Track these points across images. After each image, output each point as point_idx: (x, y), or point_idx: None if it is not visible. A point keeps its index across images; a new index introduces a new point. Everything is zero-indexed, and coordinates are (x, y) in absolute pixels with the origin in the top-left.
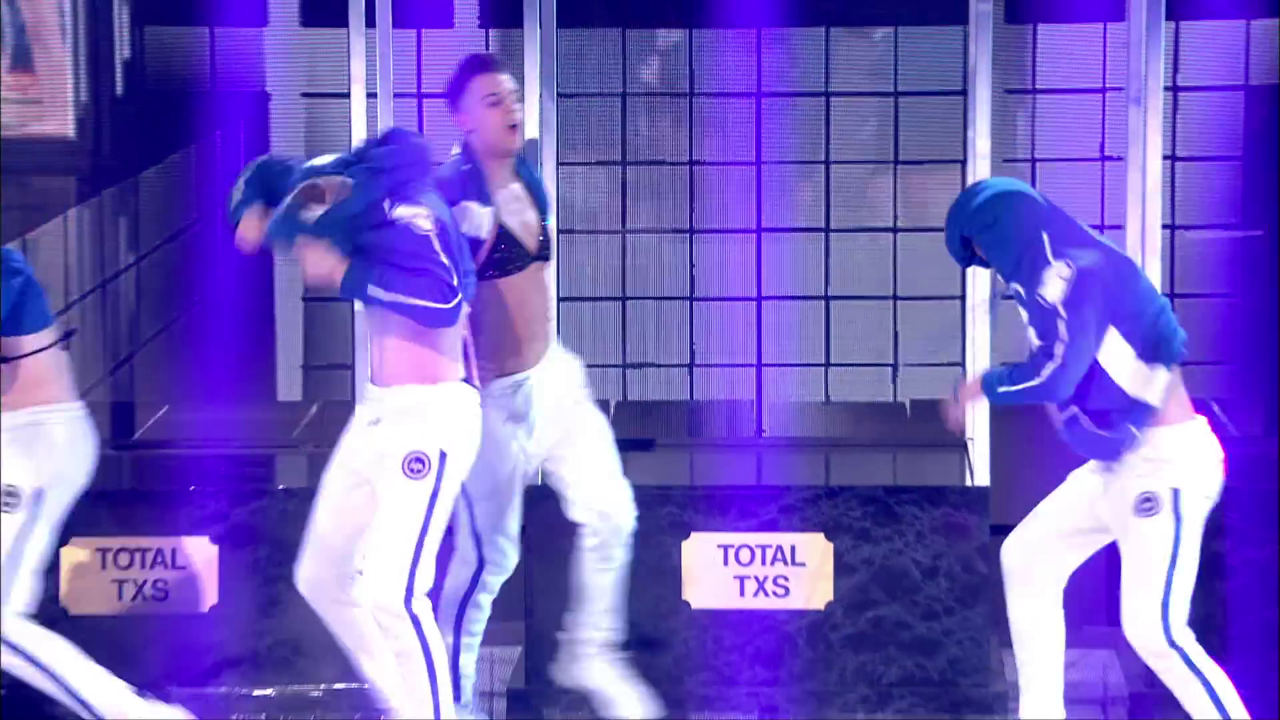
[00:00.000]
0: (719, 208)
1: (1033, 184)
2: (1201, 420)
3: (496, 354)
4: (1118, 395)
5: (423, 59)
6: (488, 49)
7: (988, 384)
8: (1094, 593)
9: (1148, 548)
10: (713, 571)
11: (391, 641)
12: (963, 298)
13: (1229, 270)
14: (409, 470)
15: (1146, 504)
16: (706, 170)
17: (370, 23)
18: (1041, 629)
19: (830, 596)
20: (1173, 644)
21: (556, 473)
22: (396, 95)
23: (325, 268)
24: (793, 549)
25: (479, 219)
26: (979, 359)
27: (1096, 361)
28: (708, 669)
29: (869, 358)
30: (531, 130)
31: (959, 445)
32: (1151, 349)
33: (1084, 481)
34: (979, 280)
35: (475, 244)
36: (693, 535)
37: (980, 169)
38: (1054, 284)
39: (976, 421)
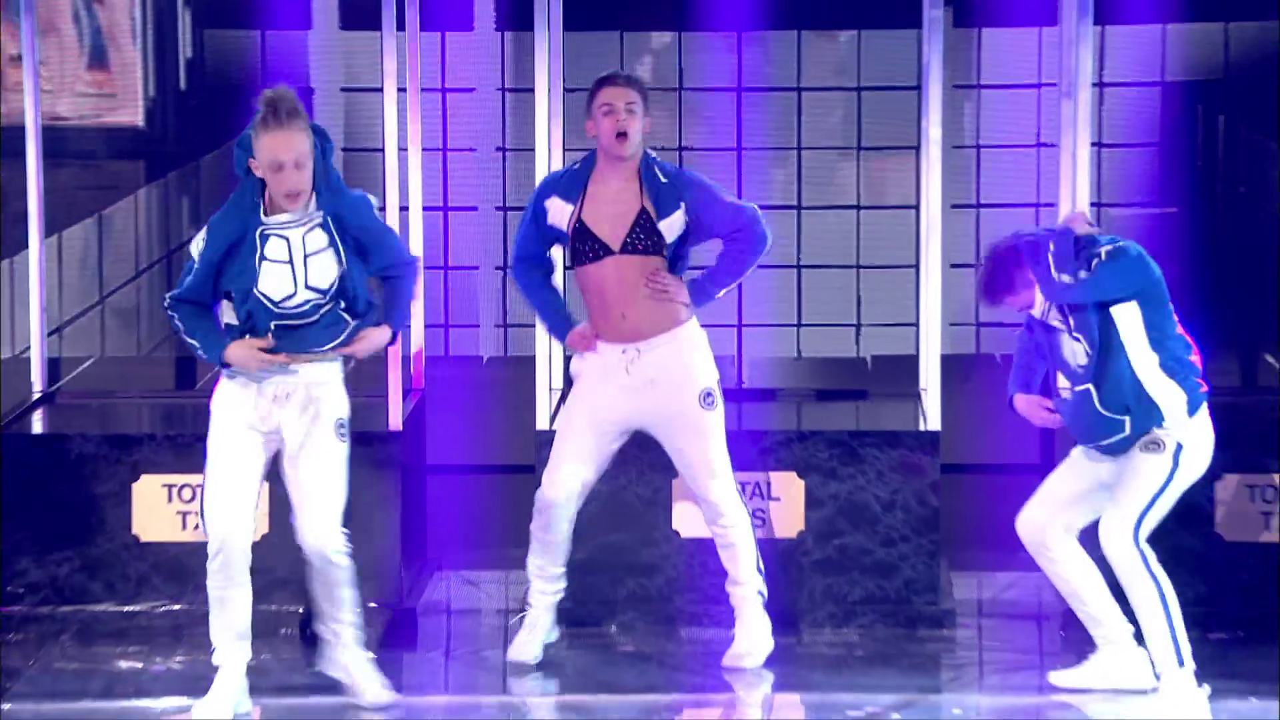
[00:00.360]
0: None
1: (978, 168)
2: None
3: (595, 326)
4: (1133, 386)
5: (446, 58)
6: (503, 50)
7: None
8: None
9: (1141, 478)
10: (695, 502)
11: None
12: (917, 266)
13: (1147, 242)
14: None
15: (1153, 445)
16: (693, 155)
17: (400, 26)
18: (1081, 580)
19: (801, 526)
20: (1137, 547)
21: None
22: (423, 90)
23: None
24: (769, 485)
25: (559, 213)
26: (929, 319)
27: (1125, 350)
28: (694, 590)
29: (835, 319)
30: (542, 120)
31: (914, 395)
32: (1174, 371)
33: (1089, 467)
34: (931, 251)
35: (560, 234)
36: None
37: (933, 154)
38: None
39: (929, 374)
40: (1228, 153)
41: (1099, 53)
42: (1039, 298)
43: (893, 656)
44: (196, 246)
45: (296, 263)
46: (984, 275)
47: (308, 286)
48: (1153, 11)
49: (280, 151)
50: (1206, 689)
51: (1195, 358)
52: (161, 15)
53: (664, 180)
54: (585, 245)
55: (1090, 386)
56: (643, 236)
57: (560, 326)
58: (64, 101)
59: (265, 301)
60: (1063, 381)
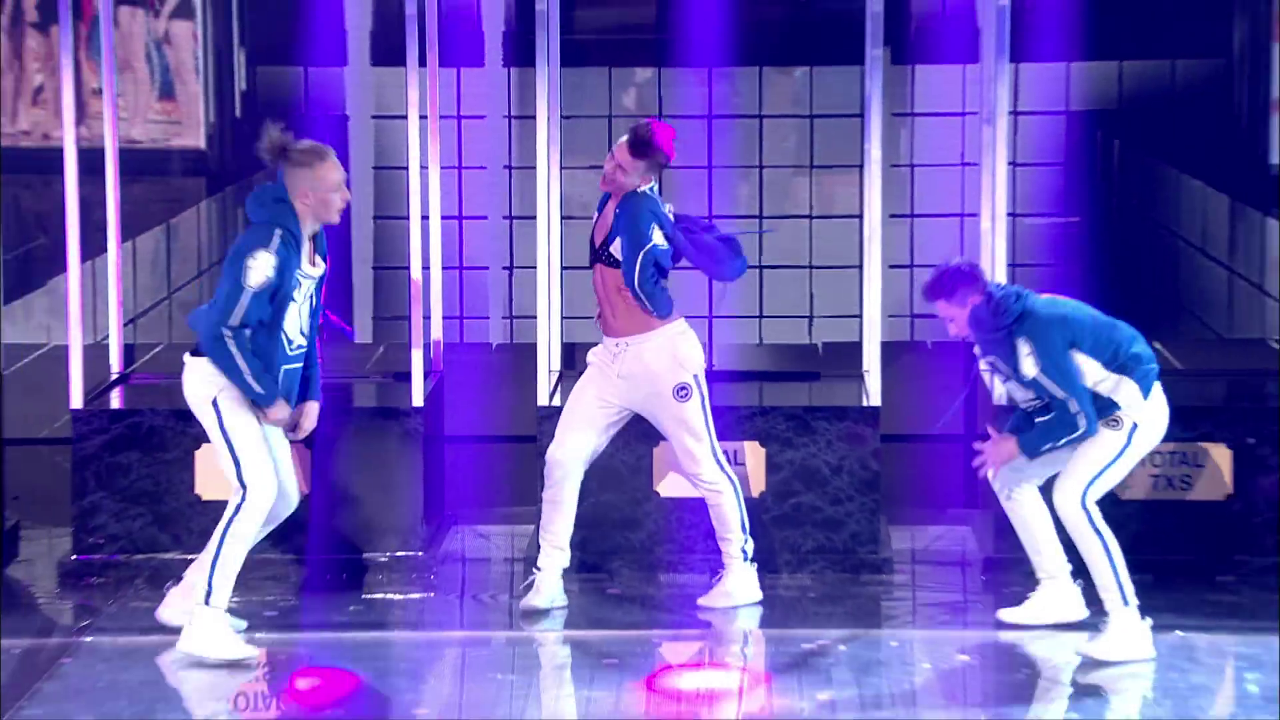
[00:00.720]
0: (681, 200)
1: (912, 184)
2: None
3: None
4: (1086, 395)
5: (461, 90)
6: (509, 84)
7: (1028, 445)
8: (955, 484)
9: (1096, 448)
10: (676, 469)
11: None
12: (860, 267)
13: (1054, 246)
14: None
15: (1113, 422)
16: (672, 173)
17: (422, 63)
18: (1033, 521)
19: (763, 487)
20: (1084, 508)
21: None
22: (442, 117)
23: None
24: (736, 452)
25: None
26: (871, 311)
27: (1073, 374)
28: (672, 541)
29: (791, 311)
30: (542, 143)
31: (858, 376)
32: (1117, 364)
33: None
34: (872, 254)
35: None
36: (661, 443)
37: (874, 172)
38: (1027, 363)
39: (871, 358)
40: (1122, 171)
41: (1014, 86)
42: (963, 323)
43: (839, 598)
44: (259, 279)
45: (303, 309)
46: (934, 274)
47: (302, 333)
48: (1059, 51)
49: (339, 171)
50: (1149, 621)
51: (1140, 346)
52: (220, 54)
53: (618, 212)
54: (590, 251)
55: (1045, 404)
56: (603, 252)
57: None
58: (138, 127)
59: (285, 343)
60: (1018, 394)
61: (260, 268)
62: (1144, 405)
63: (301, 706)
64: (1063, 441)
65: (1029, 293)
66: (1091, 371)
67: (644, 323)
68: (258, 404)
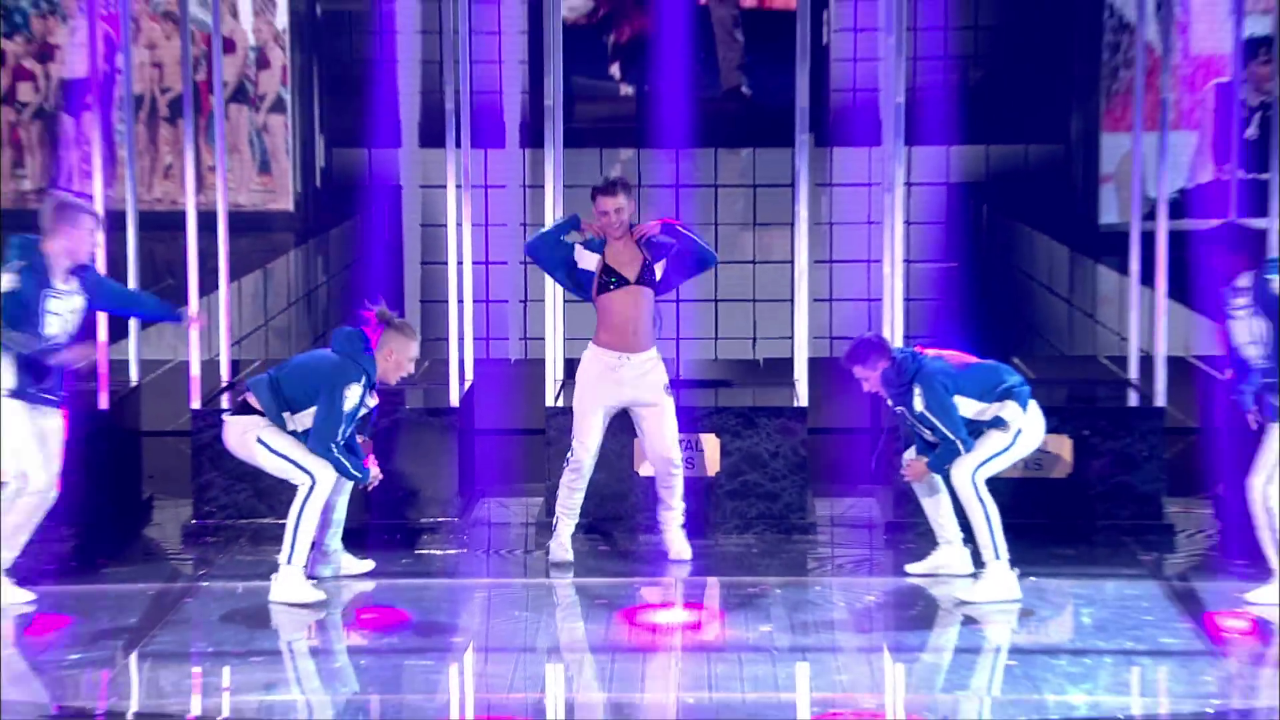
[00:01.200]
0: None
1: (831, 237)
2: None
3: (605, 336)
4: (974, 426)
5: (488, 165)
6: (525, 161)
7: (934, 464)
8: (864, 467)
9: (989, 441)
10: (645, 456)
11: None
12: (791, 300)
13: (939, 285)
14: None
15: (1004, 424)
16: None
17: (458, 144)
18: (941, 507)
19: (718, 469)
20: (973, 483)
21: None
22: (473, 187)
23: None
24: (697, 441)
25: (588, 260)
26: (800, 335)
27: (959, 414)
28: (649, 511)
29: (739, 334)
30: (549, 206)
31: (790, 384)
32: (997, 395)
33: None
34: (801, 290)
35: (588, 274)
36: (636, 437)
37: (802, 229)
38: (918, 403)
39: (800, 370)
40: (989, 229)
41: (907, 164)
42: (875, 381)
43: (776, 553)
44: (350, 406)
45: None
46: (851, 346)
47: (356, 430)
48: (942, 137)
49: (417, 349)
50: (1016, 570)
51: (1014, 378)
52: (305, 140)
53: (650, 242)
54: (613, 278)
55: (938, 440)
56: (647, 275)
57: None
58: (242, 195)
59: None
60: (919, 430)
61: (352, 398)
62: (1023, 417)
63: (364, 634)
64: (953, 459)
65: (921, 355)
66: (969, 407)
67: (651, 341)
68: (350, 480)
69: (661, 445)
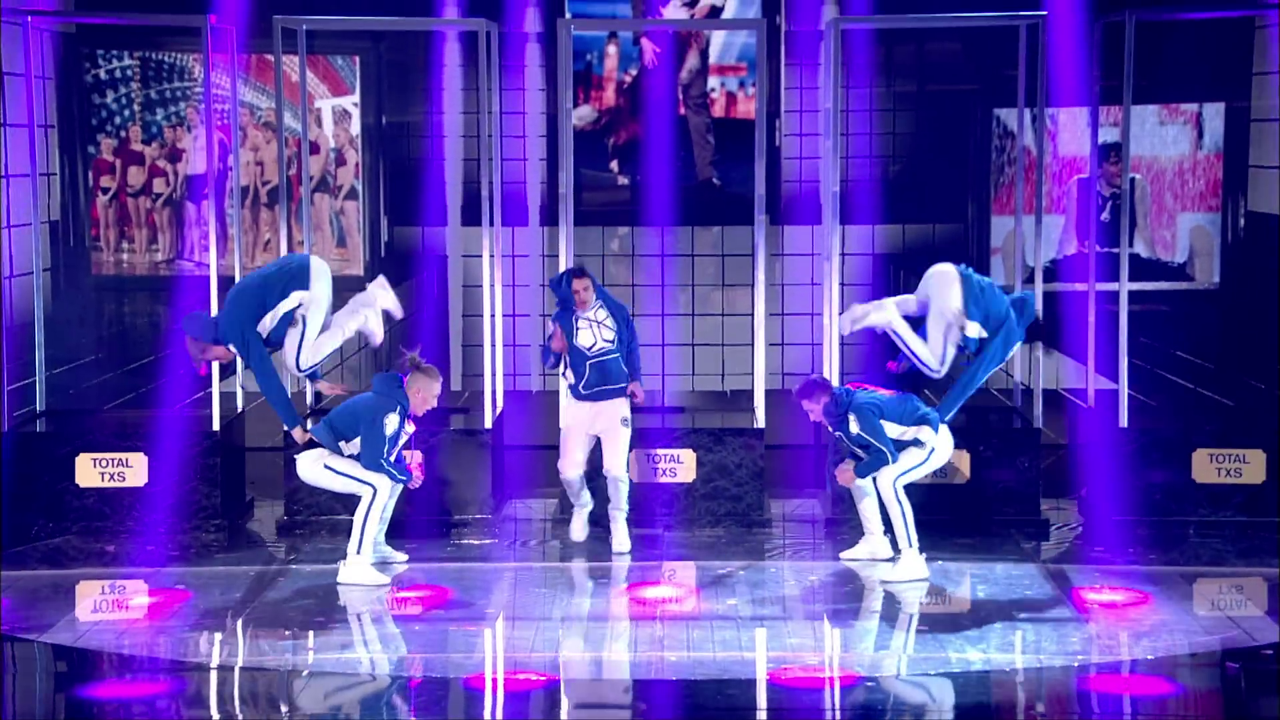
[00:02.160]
0: (647, 304)
1: (783, 295)
2: (945, 427)
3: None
4: (898, 445)
5: (515, 240)
6: (543, 237)
7: (860, 471)
8: (809, 476)
9: (908, 456)
10: (642, 464)
11: None
12: (751, 344)
13: (868, 333)
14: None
15: (919, 443)
16: (640, 289)
17: (490, 223)
18: (869, 505)
19: (694, 476)
20: (894, 487)
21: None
22: (503, 256)
23: None
24: (678, 455)
25: (557, 330)
26: (759, 370)
27: (880, 424)
28: (636, 510)
29: (711, 370)
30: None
31: (751, 409)
32: (913, 420)
33: None
34: (759, 335)
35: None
36: (634, 450)
37: (760, 289)
38: (853, 427)
39: (759, 398)
40: (905, 290)
41: (842, 238)
42: (819, 412)
43: (739, 542)
44: (390, 430)
45: (401, 444)
46: (802, 384)
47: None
48: (869, 217)
49: (439, 387)
50: (925, 555)
51: (925, 407)
52: (373, 220)
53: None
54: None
55: (870, 455)
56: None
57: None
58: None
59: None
60: (854, 447)
61: (391, 425)
62: (935, 437)
63: (414, 607)
64: (882, 465)
65: (854, 390)
66: (892, 429)
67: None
68: (399, 483)
69: (618, 462)
